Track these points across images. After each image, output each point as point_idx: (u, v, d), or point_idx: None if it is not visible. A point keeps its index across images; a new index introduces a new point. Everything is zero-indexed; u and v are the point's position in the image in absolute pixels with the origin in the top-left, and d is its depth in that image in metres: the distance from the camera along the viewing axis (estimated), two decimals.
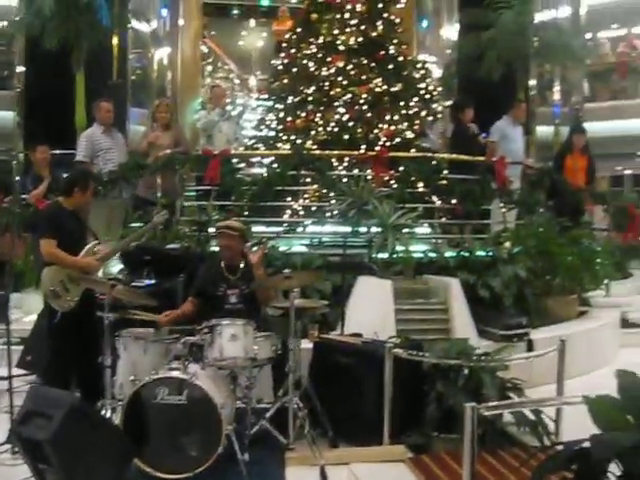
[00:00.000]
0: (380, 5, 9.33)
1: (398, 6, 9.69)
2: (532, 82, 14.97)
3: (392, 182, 8.05)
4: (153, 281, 6.19)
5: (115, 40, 11.79)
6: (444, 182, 8.33)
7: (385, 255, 6.83)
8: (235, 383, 4.71)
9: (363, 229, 7.01)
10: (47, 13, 9.77)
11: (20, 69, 11.95)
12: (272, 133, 9.23)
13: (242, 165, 8.62)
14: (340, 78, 8.76)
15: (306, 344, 5.34)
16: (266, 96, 9.53)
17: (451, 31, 13.73)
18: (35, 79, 11.66)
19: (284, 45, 9.68)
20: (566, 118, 15.76)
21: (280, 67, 9.45)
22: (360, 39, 9.07)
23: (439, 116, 10.12)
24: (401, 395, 4.75)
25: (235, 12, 18.37)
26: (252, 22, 18.95)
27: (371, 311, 6.02)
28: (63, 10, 9.97)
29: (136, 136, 11.18)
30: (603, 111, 16.43)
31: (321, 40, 9.06)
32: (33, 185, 8.50)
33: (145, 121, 12.22)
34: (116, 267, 6.96)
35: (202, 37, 14.49)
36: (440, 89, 10.27)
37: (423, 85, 9.25)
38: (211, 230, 7.15)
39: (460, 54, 12.06)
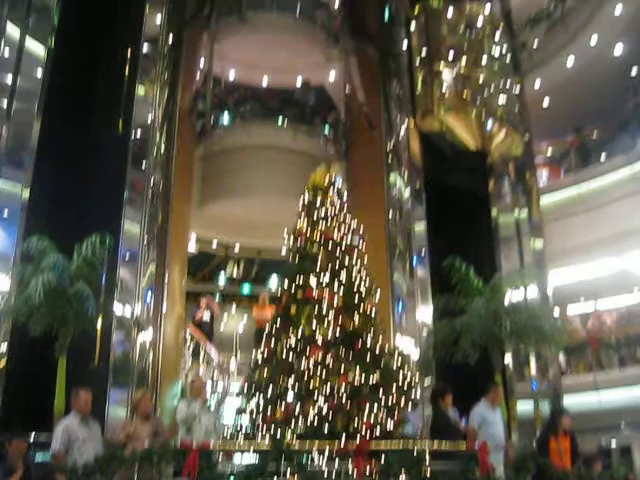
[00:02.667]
0: (356, 298, 9.76)
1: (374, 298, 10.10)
2: (508, 357, 15.29)
3: (374, 474, 7.95)
4: None
5: (99, 324, 12.04)
6: (427, 472, 8.22)
7: None
8: None
9: None
10: (36, 302, 10.11)
11: (4, 347, 12.05)
12: (251, 424, 9.20)
13: (221, 456, 8.50)
14: (319, 370, 8.91)
15: None
16: (245, 388, 9.60)
17: (426, 314, 14.21)
18: (18, 359, 11.78)
19: (264, 336, 9.94)
20: (545, 393, 15.88)
21: (260, 359, 9.63)
22: (338, 332, 9.37)
23: (418, 399, 10.21)
24: None
25: (218, 298, 19.24)
26: (234, 307, 19.86)
27: None
28: (51, 300, 10.33)
29: (114, 419, 11.14)
30: (581, 384, 16.60)
31: (300, 333, 9.34)
32: (4, 475, 8.37)
33: (124, 403, 12.15)
34: None
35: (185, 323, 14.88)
36: (418, 376, 10.43)
37: (401, 374, 9.39)
38: None
39: (436, 339, 12.45)
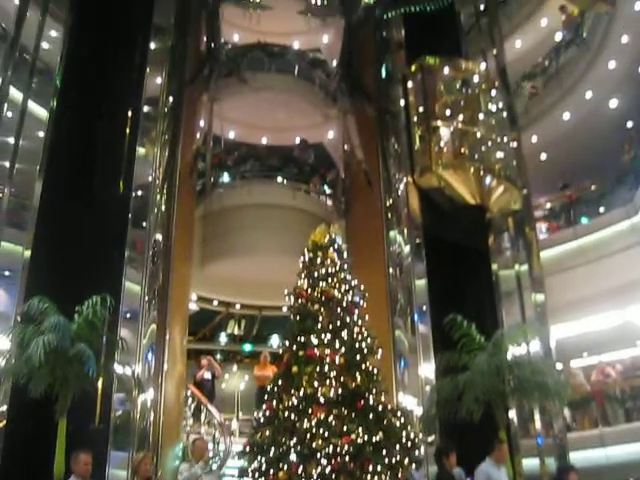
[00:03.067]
0: (358, 357, 9.71)
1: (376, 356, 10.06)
2: (512, 413, 15.07)
3: None
4: None
5: (99, 385, 11.93)
6: None
7: None
8: None
9: None
10: (36, 363, 10.03)
11: (4, 408, 11.93)
12: None
13: None
14: (321, 430, 8.83)
15: None
16: (248, 448, 9.51)
17: (429, 371, 14.08)
18: (18, 421, 11.68)
19: (266, 395, 9.86)
20: (550, 448, 15.61)
21: (262, 419, 9.55)
22: (340, 390, 9.30)
23: (422, 457, 10.09)
24: None
25: (219, 357, 19.13)
26: (235, 366, 19.76)
27: None
28: (51, 360, 10.27)
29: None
30: (587, 439, 16.34)
31: (302, 392, 9.27)
32: None
33: (125, 465, 11.99)
34: None
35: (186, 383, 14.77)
36: (421, 434, 10.32)
37: (404, 432, 9.30)
38: None
39: (439, 396, 12.33)
